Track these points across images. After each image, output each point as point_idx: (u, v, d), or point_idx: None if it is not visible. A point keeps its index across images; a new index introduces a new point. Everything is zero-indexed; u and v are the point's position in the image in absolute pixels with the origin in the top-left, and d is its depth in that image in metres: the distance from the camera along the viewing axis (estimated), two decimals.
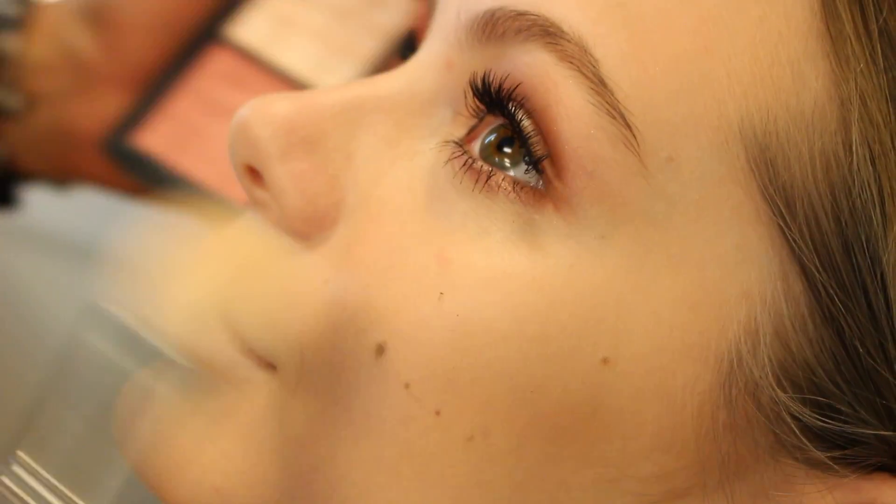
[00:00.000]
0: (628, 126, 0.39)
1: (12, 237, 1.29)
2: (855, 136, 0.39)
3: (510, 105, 0.41)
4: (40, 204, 1.23)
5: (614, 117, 0.39)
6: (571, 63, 0.40)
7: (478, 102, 0.43)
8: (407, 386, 0.40)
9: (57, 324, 1.33)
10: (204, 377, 0.44)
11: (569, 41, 0.40)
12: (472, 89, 0.43)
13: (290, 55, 0.65)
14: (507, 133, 0.42)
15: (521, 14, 0.41)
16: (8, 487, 0.43)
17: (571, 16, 0.40)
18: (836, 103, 0.39)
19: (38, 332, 1.35)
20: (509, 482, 0.41)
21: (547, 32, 0.40)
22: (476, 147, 0.43)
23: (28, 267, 1.33)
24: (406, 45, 0.50)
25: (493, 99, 0.42)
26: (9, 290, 1.34)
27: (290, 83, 0.64)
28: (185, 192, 0.59)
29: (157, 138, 0.61)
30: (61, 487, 0.44)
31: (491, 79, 0.42)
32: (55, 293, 1.33)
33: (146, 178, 0.60)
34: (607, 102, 0.39)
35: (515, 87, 0.41)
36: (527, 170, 0.41)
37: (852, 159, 0.39)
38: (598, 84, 0.40)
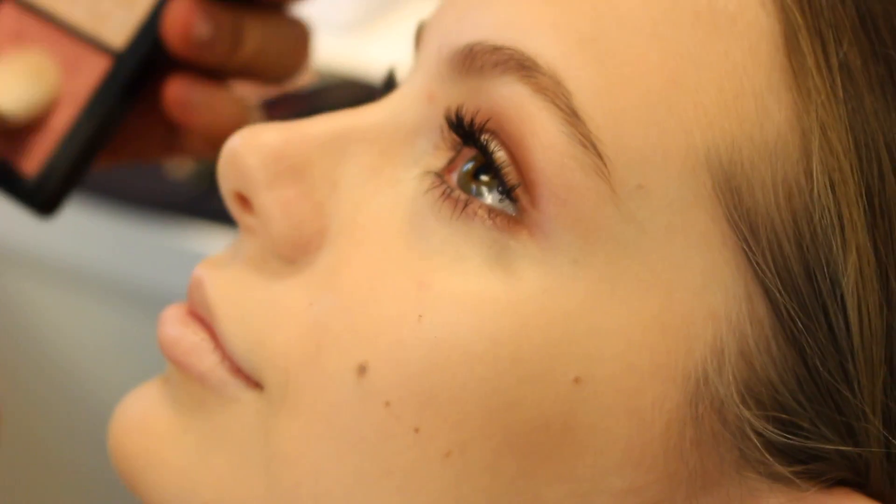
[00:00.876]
0: (600, 155, 0.41)
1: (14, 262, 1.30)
2: (816, 164, 0.41)
3: (482, 137, 0.43)
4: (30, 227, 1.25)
5: (587, 147, 0.41)
6: (546, 95, 0.42)
7: (453, 135, 0.45)
8: (387, 404, 0.42)
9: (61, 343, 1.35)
10: (196, 396, 0.46)
11: (543, 74, 0.42)
12: (447, 123, 0.45)
13: (65, 4, 0.60)
14: (483, 162, 0.44)
15: (498, 48, 0.43)
16: None
17: (546, 50, 0.42)
18: (798, 133, 0.41)
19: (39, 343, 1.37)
20: (486, 496, 0.42)
21: (522, 66, 0.42)
22: (454, 177, 0.44)
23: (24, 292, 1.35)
24: (387, 82, 0.52)
25: (467, 132, 0.44)
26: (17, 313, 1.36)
27: (71, 34, 0.60)
28: None
29: None
30: None
31: (464, 113, 0.44)
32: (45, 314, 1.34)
33: None
34: (580, 133, 0.41)
35: (487, 121, 0.43)
36: (501, 198, 0.43)
37: (813, 187, 0.41)
38: (572, 115, 0.41)
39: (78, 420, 1.37)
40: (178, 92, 0.59)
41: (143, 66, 0.59)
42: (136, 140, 0.63)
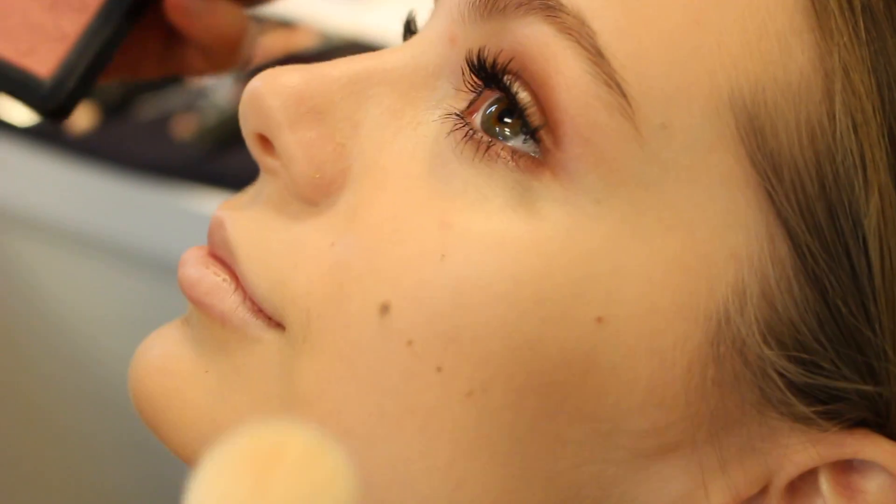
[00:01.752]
0: (624, 95, 0.41)
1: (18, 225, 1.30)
2: (838, 105, 0.41)
3: (505, 79, 0.43)
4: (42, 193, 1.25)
5: (611, 86, 0.41)
6: (570, 35, 0.42)
7: (474, 78, 0.45)
8: (409, 343, 0.42)
9: (65, 310, 1.34)
10: (217, 336, 0.46)
11: (568, 14, 0.42)
12: (468, 65, 0.45)
13: None
14: (506, 105, 0.44)
15: None
16: None
17: None
18: (821, 75, 0.41)
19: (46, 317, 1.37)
20: (507, 436, 0.43)
21: (547, 6, 0.42)
22: (477, 119, 0.44)
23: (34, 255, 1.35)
24: (407, 26, 0.52)
25: (489, 73, 0.44)
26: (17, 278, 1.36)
27: None
28: None
29: None
30: None
31: (486, 55, 0.44)
32: (62, 282, 1.34)
33: None
34: (604, 72, 0.41)
35: (510, 61, 0.43)
36: (525, 139, 0.43)
37: (836, 128, 0.41)
38: (596, 55, 0.41)
39: (81, 383, 1.37)
40: None
41: None
42: (135, 55, 0.63)
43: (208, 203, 1.18)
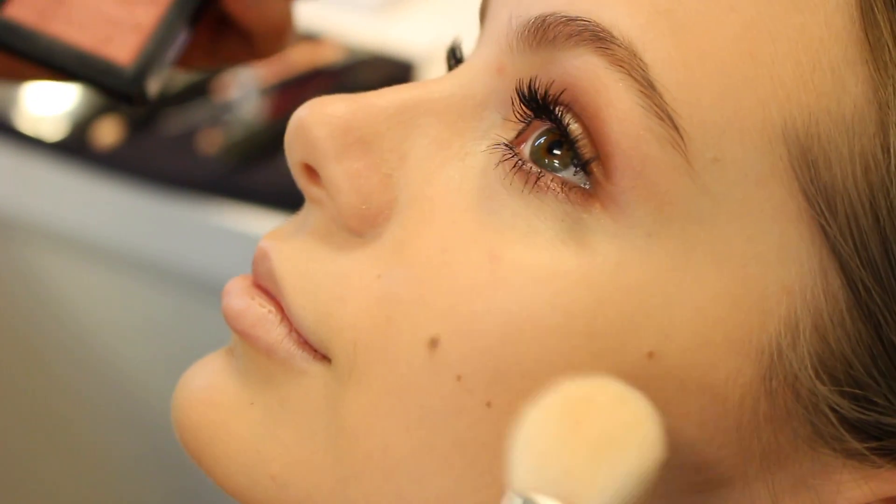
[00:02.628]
0: (676, 128, 0.41)
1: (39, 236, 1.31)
2: (892, 138, 0.41)
3: (556, 110, 0.43)
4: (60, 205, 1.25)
5: (663, 119, 0.41)
6: (622, 67, 0.41)
7: (524, 108, 0.44)
8: (459, 378, 0.42)
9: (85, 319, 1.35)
10: (263, 368, 0.46)
11: (619, 46, 0.41)
12: (518, 95, 0.44)
13: None
14: (555, 137, 0.43)
15: (571, 20, 0.42)
16: None
17: (621, 21, 0.42)
18: (875, 107, 0.41)
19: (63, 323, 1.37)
20: None
21: (598, 37, 0.42)
22: (526, 150, 0.44)
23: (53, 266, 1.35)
24: (451, 55, 0.52)
25: (540, 104, 0.43)
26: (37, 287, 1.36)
27: None
28: (65, 59, 0.61)
29: (23, 10, 0.62)
30: None
31: (537, 85, 0.43)
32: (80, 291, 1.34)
33: (21, 51, 0.62)
34: (656, 105, 0.41)
35: (561, 93, 0.42)
36: (576, 171, 0.43)
37: (890, 161, 0.41)
38: (648, 87, 0.41)
39: (105, 396, 1.37)
40: None
41: None
42: (186, 46, 0.65)
43: (234, 218, 1.18)
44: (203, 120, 1.26)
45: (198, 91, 1.29)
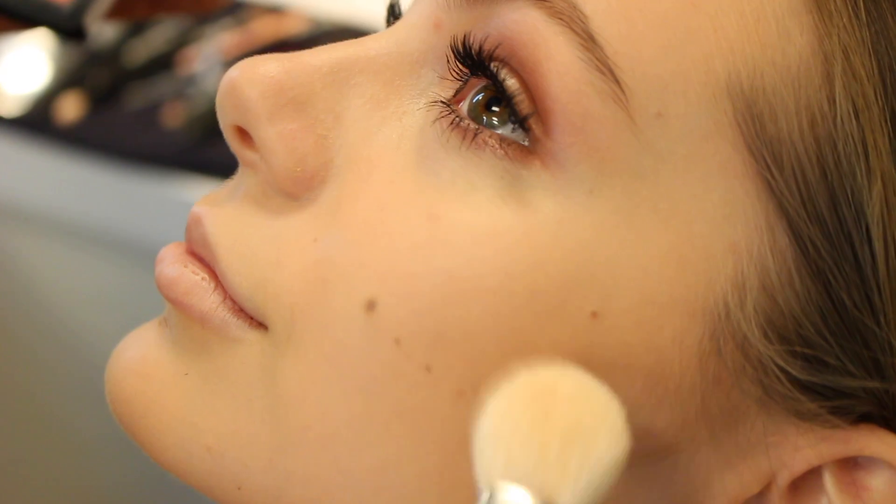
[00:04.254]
0: (617, 81, 0.40)
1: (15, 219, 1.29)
2: (838, 90, 0.39)
3: (492, 65, 0.42)
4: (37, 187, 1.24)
5: (604, 73, 0.40)
6: (561, 19, 0.40)
7: (460, 66, 0.43)
8: (397, 342, 0.41)
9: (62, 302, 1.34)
10: (197, 337, 0.44)
11: None
12: (453, 52, 0.43)
13: None
14: (493, 93, 0.42)
15: None
16: None
17: None
18: (820, 58, 0.40)
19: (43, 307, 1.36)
20: None
21: None
22: (464, 107, 0.43)
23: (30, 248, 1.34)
24: (390, 10, 0.50)
25: (475, 61, 0.42)
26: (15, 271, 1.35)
27: None
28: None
29: None
30: None
31: (471, 41, 0.42)
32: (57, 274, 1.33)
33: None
34: (597, 58, 0.40)
35: (497, 47, 0.41)
36: (514, 128, 0.41)
37: (836, 113, 0.39)
38: (588, 40, 0.40)
39: (72, 371, 1.36)
40: None
41: None
42: None
43: (198, 191, 1.17)
44: (166, 93, 1.25)
45: (161, 64, 1.27)
